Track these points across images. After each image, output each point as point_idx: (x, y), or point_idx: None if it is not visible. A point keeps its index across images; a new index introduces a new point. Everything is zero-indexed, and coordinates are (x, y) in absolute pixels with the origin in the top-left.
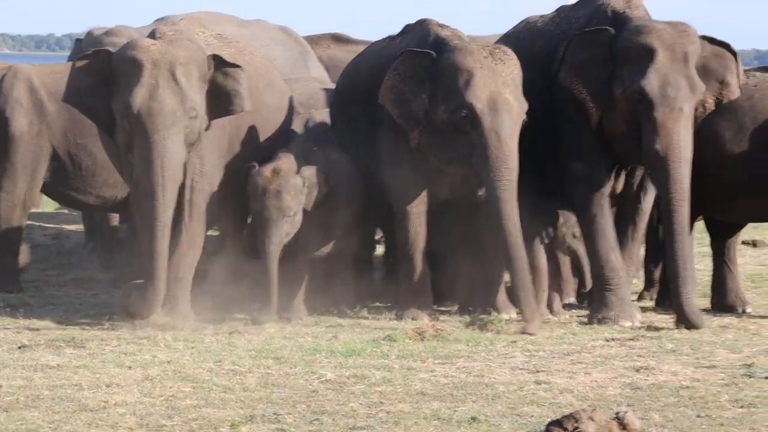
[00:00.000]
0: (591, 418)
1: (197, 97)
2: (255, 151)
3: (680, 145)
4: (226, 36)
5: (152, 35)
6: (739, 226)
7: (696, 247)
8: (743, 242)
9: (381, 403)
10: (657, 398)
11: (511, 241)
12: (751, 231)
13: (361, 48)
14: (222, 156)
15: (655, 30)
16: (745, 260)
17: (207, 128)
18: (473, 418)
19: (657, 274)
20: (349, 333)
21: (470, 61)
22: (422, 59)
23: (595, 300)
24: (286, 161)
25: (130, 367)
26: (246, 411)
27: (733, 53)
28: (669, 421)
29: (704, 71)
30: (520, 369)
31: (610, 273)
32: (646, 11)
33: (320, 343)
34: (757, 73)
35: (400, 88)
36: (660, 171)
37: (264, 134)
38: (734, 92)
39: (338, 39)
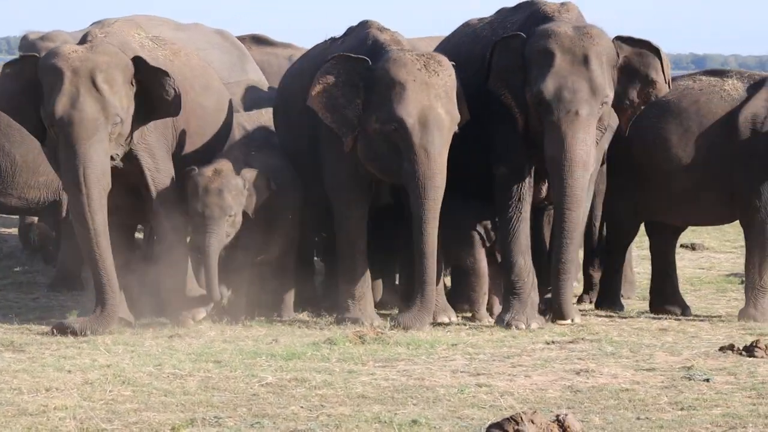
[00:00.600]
0: (531, 421)
1: (121, 102)
2: (193, 153)
3: (574, 149)
4: (163, 38)
5: (84, 39)
6: (679, 230)
7: (636, 251)
8: (682, 245)
9: (322, 406)
10: (597, 401)
11: (425, 261)
12: (689, 234)
13: (281, 50)
14: (170, 152)
15: (556, 34)
16: (683, 263)
17: (132, 129)
18: (414, 421)
19: (597, 277)
20: (289, 336)
21: (404, 73)
22: (357, 65)
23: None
24: (226, 162)
25: (69, 371)
26: (187, 415)
27: (655, 50)
28: (609, 424)
29: (627, 72)
30: (461, 372)
31: (515, 278)
32: (580, 14)
33: (261, 346)
34: (703, 77)
35: (332, 93)
36: (554, 174)
37: (201, 137)
38: (662, 89)
39: (258, 41)
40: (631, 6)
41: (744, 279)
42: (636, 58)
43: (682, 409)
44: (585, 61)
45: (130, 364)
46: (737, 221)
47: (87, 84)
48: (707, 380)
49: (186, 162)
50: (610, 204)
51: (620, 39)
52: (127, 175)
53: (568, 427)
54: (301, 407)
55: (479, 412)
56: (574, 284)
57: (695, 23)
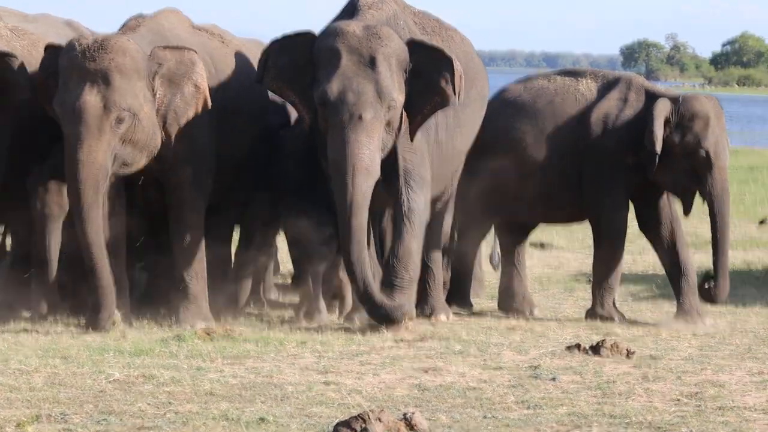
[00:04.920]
0: (379, 419)
1: None
2: (42, 147)
3: (357, 153)
4: (21, 28)
5: None
6: (530, 229)
7: (485, 249)
8: (531, 244)
9: (169, 403)
10: (444, 399)
11: (91, 253)
12: (539, 233)
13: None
14: (14, 149)
15: (343, 33)
16: (532, 262)
17: None
18: (262, 419)
19: (446, 276)
20: (137, 332)
21: (64, 61)
22: (55, 54)
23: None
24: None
25: None
26: (32, 411)
27: (448, 59)
28: (456, 422)
29: (418, 77)
30: (309, 369)
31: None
32: (396, 11)
33: (108, 342)
34: (558, 78)
35: (49, 85)
36: (335, 179)
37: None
38: (449, 100)
39: (73, 27)
40: (483, 3)
41: (591, 278)
42: (428, 64)
43: (528, 407)
44: (372, 62)
45: None
46: (586, 220)
47: None
48: (554, 379)
49: (35, 154)
50: (462, 204)
51: (414, 43)
52: None
53: (416, 425)
54: (149, 404)
55: (327, 410)
56: None
57: (547, 22)
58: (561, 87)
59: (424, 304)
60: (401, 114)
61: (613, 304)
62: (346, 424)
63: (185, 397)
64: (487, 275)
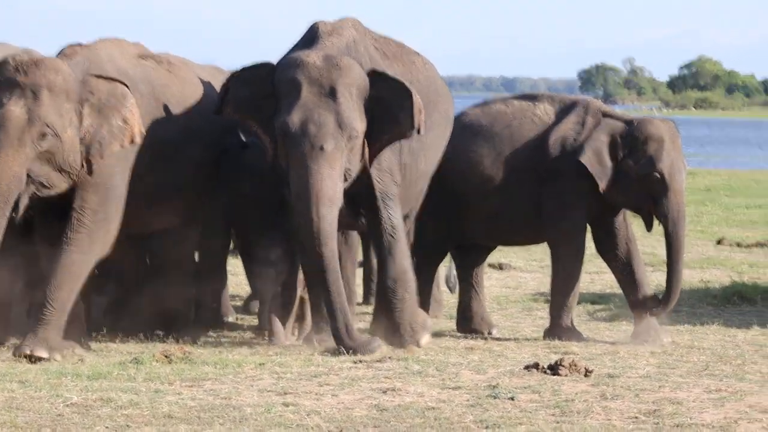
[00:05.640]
0: None
1: None
2: None
3: (319, 184)
4: None
5: None
6: (489, 250)
7: (443, 270)
8: (489, 265)
9: (127, 426)
10: (403, 419)
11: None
12: (497, 254)
13: None
14: None
15: (303, 64)
16: (491, 282)
17: None
18: None
19: None
20: (95, 356)
21: (4, 75)
22: None
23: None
24: None
25: None
26: None
27: (408, 92)
28: None
29: (377, 107)
30: (268, 391)
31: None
32: (356, 38)
33: (66, 366)
34: (515, 102)
35: None
36: (299, 210)
37: None
38: (407, 132)
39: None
40: (441, 27)
41: (549, 298)
42: (388, 95)
43: (486, 427)
44: (332, 93)
45: None
46: (544, 242)
47: None
48: (512, 398)
49: None
50: (421, 225)
51: (375, 73)
52: None
53: None
54: (107, 427)
55: (286, 431)
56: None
57: (505, 46)
58: (518, 111)
59: None
60: (363, 142)
61: (571, 323)
62: None
63: (143, 420)
64: (444, 295)
